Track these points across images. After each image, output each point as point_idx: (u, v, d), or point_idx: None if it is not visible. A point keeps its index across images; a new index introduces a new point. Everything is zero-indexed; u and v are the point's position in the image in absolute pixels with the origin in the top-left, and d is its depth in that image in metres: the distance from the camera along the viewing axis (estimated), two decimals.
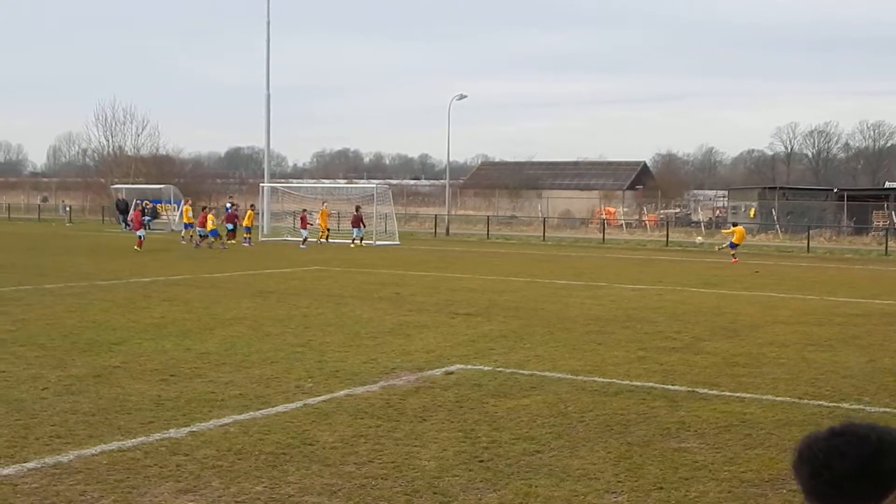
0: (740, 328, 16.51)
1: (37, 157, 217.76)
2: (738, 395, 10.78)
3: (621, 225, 66.87)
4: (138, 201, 54.17)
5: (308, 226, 43.54)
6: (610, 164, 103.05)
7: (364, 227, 44.29)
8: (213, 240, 39.13)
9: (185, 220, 43.79)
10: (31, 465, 7.52)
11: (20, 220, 71.22)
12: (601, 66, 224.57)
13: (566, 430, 8.99)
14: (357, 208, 45.06)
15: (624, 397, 10.49)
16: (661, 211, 72.75)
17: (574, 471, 7.61)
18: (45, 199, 78.12)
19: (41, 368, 11.51)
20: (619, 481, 7.37)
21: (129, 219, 56.40)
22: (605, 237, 54.02)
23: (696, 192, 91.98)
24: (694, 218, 71.46)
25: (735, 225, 40.43)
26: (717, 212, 73.71)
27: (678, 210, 75.86)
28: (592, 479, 7.41)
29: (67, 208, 72.67)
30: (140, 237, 37.17)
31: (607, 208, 74.45)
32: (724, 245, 39.14)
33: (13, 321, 15.54)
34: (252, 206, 47.11)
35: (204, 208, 43.27)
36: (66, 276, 24.06)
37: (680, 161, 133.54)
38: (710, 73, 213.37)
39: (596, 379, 11.55)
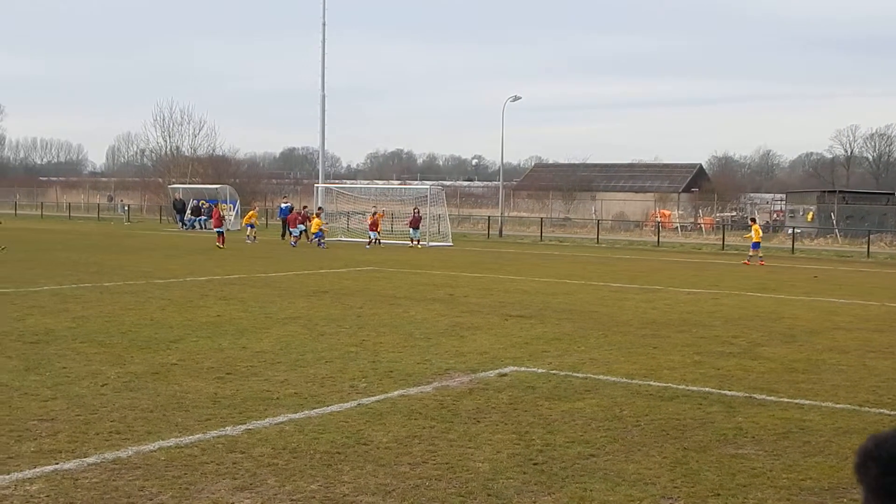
0: (799, 334, 16.29)
1: (96, 157, 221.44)
2: (796, 401, 10.63)
3: (676, 228, 66.25)
4: (212, 202, 54.88)
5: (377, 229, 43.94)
6: (665, 166, 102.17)
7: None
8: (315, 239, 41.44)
9: (246, 221, 45.11)
10: (91, 460, 7.64)
11: (80, 219, 72.36)
12: (658, 68, 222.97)
13: (621, 434, 8.93)
14: (416, 210, 45.46)
15: (680, 402, 10.40)
16: (717, 214, 71.98)
17: (629, 475, 7.56)
18: (110, 199, 79.21)
19: (101, 365, 11.69)
20: (674, 487, 7.30)
21: (185, 218, 57.16)
22: (660, 240, 53.59)
23: (752, 195, 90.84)
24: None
25: (754, 222, 39.66)
26: (775, 215, 72.75)
27: (734, 213, 74.97)
28: (648, 483, 7.36)
29: (126, 207, 73.67)
30: (220, 233, 38.63)
31: (662, 211, 73.80)
32: (752, 254, 36.93)
33: (73, 318, 15.80)
34: (304, 206, 47.61)
35: (304, 208, 46.11)
36: (124, 275, 24.41)
37: (736, 164, 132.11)
38: (769, 75, 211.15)
39: (651, 383, 11.46)
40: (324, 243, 40.87)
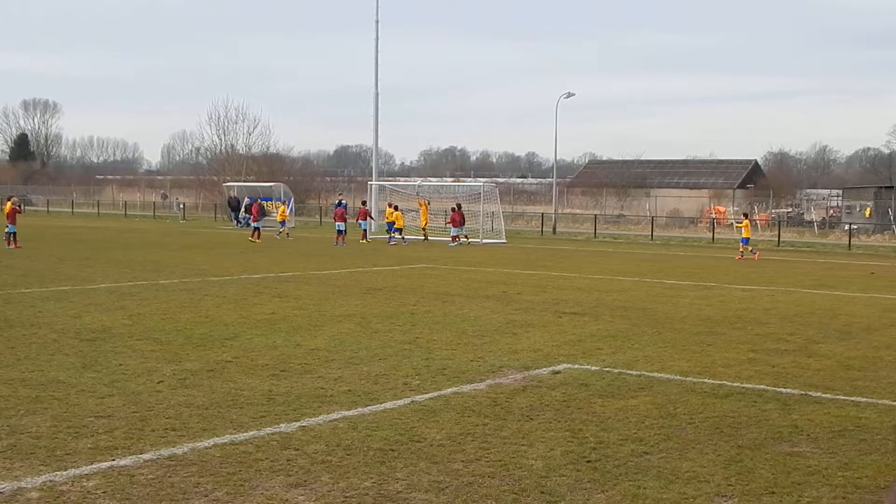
0: (855, 331, 16.03)
1: (152, 156, 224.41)
2: (853, 399, 10.47)
3: (731, 224, 65.50)
4: (265, 199, 55.53)
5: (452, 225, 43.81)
6: (720, 162, 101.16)
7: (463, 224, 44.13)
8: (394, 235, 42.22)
9: (280, 218, 46.20)
10: (146, 456, 7.73)
11: (136, 217, 73.35)
12: (713, 64, 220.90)
13: (675, 431, 8.85)
14: (457, 207, 44.71)
15: (734, 399, 10.28)
16: (773, 210, 71.10)
17: (683, 473, 7.49)
18: (164, 197, 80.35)
19: (157, 362, 11.83)
20: (729, 485, 7.22)
21: (241, 216, 57.64)
22: (715, 237, 53.05)
23: (808, 191, 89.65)
24: (807, 218, 69.59)
25: (746, 217, 39.35)
26: (831, 211, 71.67)
27: (790, 209, 73.98)
28: (702, 481, 7.28)
29: (181, 205, 74.53)
30: (257, 229, 39.74)
31: (717, 207, 73.01)
32: (744, 247, 37.08)
33: (130, 316, 16.02)
34: (364, 202, 47.85)
35: (364, 203, 46.76)
36: (179, 272, 24.70)
37: (792, 160, 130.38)
38: (826, 71, 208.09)
39: (706, 380, 11.35)
40: (399, 239, 41.57)
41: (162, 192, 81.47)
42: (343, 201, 48.35)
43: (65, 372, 11.11)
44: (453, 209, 44.10)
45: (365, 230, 43.72)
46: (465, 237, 43.51)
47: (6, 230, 33.44)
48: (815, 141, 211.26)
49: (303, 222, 63.06)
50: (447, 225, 44.82)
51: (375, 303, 18.81)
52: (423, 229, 45.33)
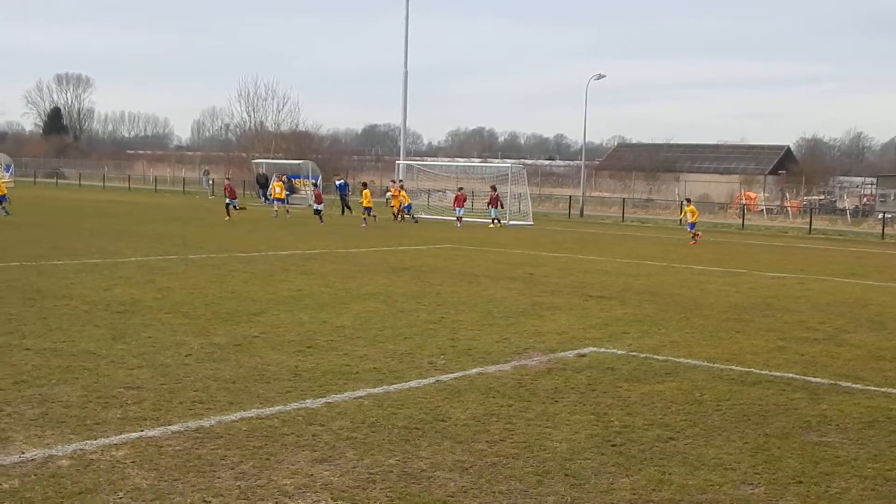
0: (887, 320, 15.89)
1: (182, 132, 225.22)
2: (883, 389, 10.38)
3: (762, 211, 65.13)
4: (314, 179, 55.53)
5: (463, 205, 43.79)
6: (752, 147, 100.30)
7: (502, 207, 44.41)
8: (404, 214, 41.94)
9: (275, 196, 45.57)
10: (174, 428, 7.79)
11: (166, 192, 73.72)
12: (746, 49, 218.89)
13: (701, 418, 8.81)
14: (493, 188, 44.96)
15: (762, 387, 10.22)
16: (805, 197, 70.55)
17: (709, 460, 7.46)
18: (206, 172, 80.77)
19: (185, 336, 11.91)
20: (755, 473, 7.19)
21: (268, 192, 57.80)
22: (745, 223, 52.72)
23: (841, 178, 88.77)
24: (839, 205, 69.00)
25: (689, 202, 38.89)
26: (864, 199, 70.99)
27: (822, 197, 73.35)
28: (728, 469, 7.25)
29: (210, 181, 74.81)
30: (318, 211, 39.25)
31: (748, 193, 72.57)
32: (692, 232, 36.81)
33: (159, 289, 16.12)
34: (364, 183, 46.34)
35: (392, 186, 46.45)
36: (208, 248, 24.83)
37: (826, 146, 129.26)
38: (860, 56, 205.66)
39: (733, 367, 11.29)
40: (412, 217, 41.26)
41: (205, 168, 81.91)
42: (342, 181, 48.77)
43: (95, 343, 11.21)
44: (493, 187, 44.47)
45: (494, 217, 43.91)
46: (497, 221, 43.43)
47: None
48: (849, 128, 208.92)
49: (330, 200, 63.16)
50: (489, 208, 44.71)
51: (401, 282, 18.84)
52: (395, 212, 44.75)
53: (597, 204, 67.71)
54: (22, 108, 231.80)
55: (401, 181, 47.85)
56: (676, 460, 7.40)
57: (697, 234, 36.34)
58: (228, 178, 46.55)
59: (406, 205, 43.06)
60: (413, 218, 42.81)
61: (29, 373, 9.57)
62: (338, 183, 50.41)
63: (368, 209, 39.48)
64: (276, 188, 45.79)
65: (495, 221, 43.23)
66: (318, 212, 39.49)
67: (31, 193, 61.92)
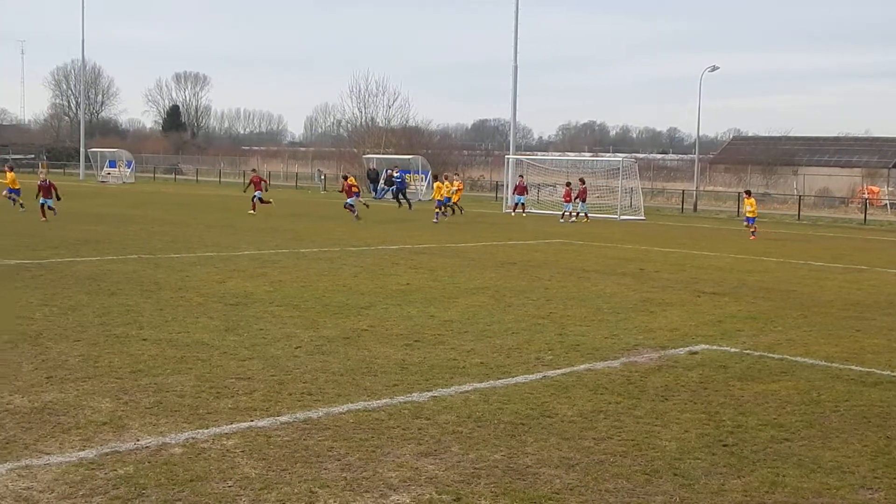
0: None
1: (295, 128, 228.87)
2: None
3: (885, 205, 62.97)
4: (415, 172, 55.62)
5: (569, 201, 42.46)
6: (875, 139, 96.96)
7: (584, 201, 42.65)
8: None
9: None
10: (283, 418, 7.89)
11: (278, 188, 75.05)
12: (867, 37, 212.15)
13: (818, 419, 8.53)
14: (582, 181, 43.28)
15: (884, 388, 9.85)
16: None
17: (826, 462, 7.21)
18: (320, 171, 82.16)
19: (295, 328, 12.08)
20: (875, 477, 6.91)
21: (378, 187, 58.31)
22: (867, 218, 51.09)
23: None
24: None
25: (748, 195, 35.94)
26: None
27: None
28: (846, 472, 6.99)
29: (322, 177, 75.81)
30: (439, 209, 37.14)
31: (870, 187, 70.15)
32: (752, 227, 34.25)
33: (271, 283, 16.40)
34: (435, 176, 44.27)
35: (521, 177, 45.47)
36: (319, 242, 25.18)
37: None
38: None
39: (853, 367, 10.91)
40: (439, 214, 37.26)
41: (319, 169, 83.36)
42: (394, 175, 48.02)
43: (209, 334, 11.45)
44: (581, 181, 43.06)
45: (519, 203, 43.54)
46: (579, 214, 42.03)
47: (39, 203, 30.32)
48: None
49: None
50: (574, 201, 43.25)
51: (510, 276, 18.77)
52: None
53: (711, 198, 66.46)
54: (142, 106, 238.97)
55: (448, 175, 46.56)
56: (791, 462, 7.18)
57: (754, 230, 34.09)
58: (254, 171, 44.58)
59: (445, 198, 40.15)
60: (457, 209, 40.35)
61: (145, 362, 9.83)
62: (394, 176, 50.00)
63: (440, 203, 37.72)
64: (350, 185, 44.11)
65: (577, 215, 41.63)
66: (349, 205, 36.32)
67: (149, 189, 63.81)
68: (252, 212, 37.56)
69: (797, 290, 18.10)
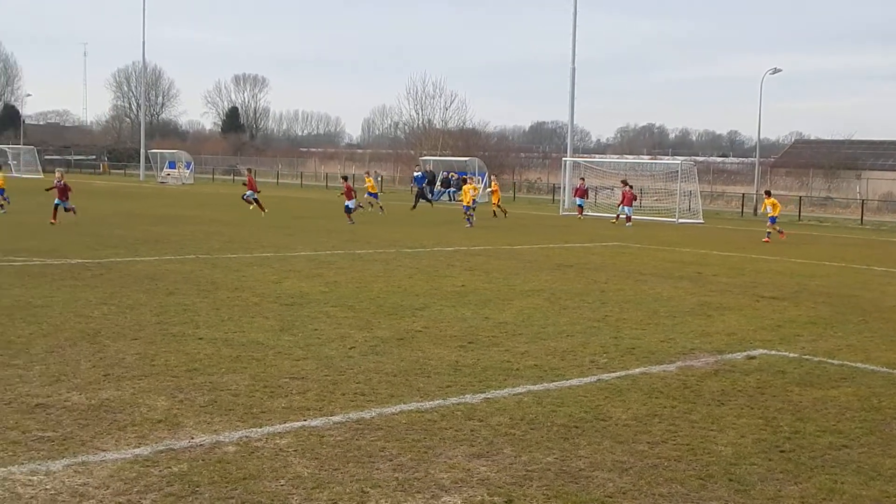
0: None
1: (353, 130, 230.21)
2: None
3: None
4: (463, 174, 55.58)
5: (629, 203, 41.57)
6: None
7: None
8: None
9: (371, 190, 43.02)
10: (336, 418, 7.92)
11: (336, 189, 75.50)
12: None
13: (878, 426, 8.36)
14: (624, 183, 41.89)
15: None
16: None
17: (886, 470, 7.06)
18: (377, 174, 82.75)
19: (349, 329, 12.13)
20: None
21: (435, 189, 58.42)
22: None
23: None
24: None
25: (768, 195, 34.89)
26: None
27: None
28: None
29: (379, 178, 76.16)
30: (348, 209, 34.82)
31: None
32: (775, 227, 33.68)
33: (326, 283, 16.49)
34: (464, 179, 41.20)
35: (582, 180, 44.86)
36: (374, 243, 25.27)
37: None
38: None
39: None
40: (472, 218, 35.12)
41: (375, 171, 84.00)
42: (419, 174, 47.42)
43: (264, 334, 11.54)
44: (629, 186, 42.05)
45: (581, 206, 43.16)
46: (619, 217, 41.23)
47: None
48: None
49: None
50: (620, 205, 42.30)
51: (565, 279, 18.68)
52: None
53: None
54: (202, 107, 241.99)
55: (469, 175, 45.82)
56: (850, 469, 7.04)
57: (781, 232, 33.55)
58: (249, 170, 43.57)
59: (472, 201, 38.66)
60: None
61: (201, 361, 9.93)
62: (416, 175, 49.56)
63: (467, 207, 35.27)
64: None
65: (618, 218, 40.78)
66: (348, 209, 34.48)
67: (208, 190, 64.54)
68: (265, 213, 36.55)
69: (858, 296, 17.78)
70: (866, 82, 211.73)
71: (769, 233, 33.50)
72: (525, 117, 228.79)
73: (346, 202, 34.92)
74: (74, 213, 29.75)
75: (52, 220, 28.23)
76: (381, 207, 41.07)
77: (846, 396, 9.44)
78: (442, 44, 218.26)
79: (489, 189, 43.66)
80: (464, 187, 36.51)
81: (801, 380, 10.16)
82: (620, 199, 40.95)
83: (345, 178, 37.71)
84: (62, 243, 21.95)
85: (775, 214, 33.88)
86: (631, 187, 41.58)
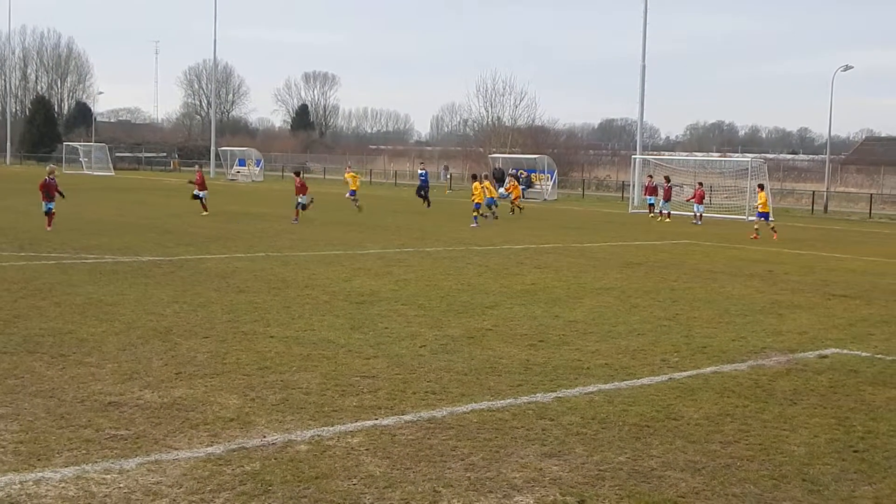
0: None
1: (422, 127, 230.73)
2: None
3: None
4: (540, 172, 55.29)
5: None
6: None
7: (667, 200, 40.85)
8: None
9: (352, 187, 41.37)
10: (407, 417, 8.01)
11: (405, 186, 75.77)
12: None
13: None
14: (666, 179, 41.21)
15: None
16: None
17: None
18: (446, 168, 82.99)
19: (419, 327, 12.22)
20: None
21: (506, 187, 58.29)
22: None
23: None
24: None
25: (761, 188, 33.13)
26: None
27: None
28: None
29: (448, 175, 76.26)
30: (300, 204, 31.84)
31: None
32: (758, 223, 32.29)
33: (396, 281, 16.61)
34: (474, 175, 38.99)
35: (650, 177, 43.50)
36: (444, 241, 25.35)
37: None
38: None
39: None
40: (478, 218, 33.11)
41: (445, 166, 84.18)
42: (424, 171, 46.88)
43: (334, 332, 11.68)
44: (667, 179, 41.54)
45: (652, 204, 42.68)
46: (662, 213, 40.61)
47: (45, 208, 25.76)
48: None
49: (565, 195, 63.13)
50: (689, 200, 41.72)
51: (635, 277, 18.59)
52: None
53: (842, 200, 64.34)
54: (272, 105, 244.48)
55: (485, 175, 44.48)
56: None
57: (774, 231, 31.61)
58: (199, 168, 38.46)
59: (488, 198, 34.96)
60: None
61: (272, 359, 10.09)
62: (420, 173, 49.03)
63: (478, 206, 33.32)
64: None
65: (662, 213, 40.14)
66: (300, 205, 31.76)
67: (278, 187, 65.15)
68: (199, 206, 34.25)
69: None
70: None
71: (757, 229, 32.25)
72: (595, 114, 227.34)
73: (298, 198, 31.89)
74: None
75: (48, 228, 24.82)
76: (358, 204, 39.01)
77: None
78: (512, 41, 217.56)
79: (504, 190, 43.33)
80: (474, 184, 34.86)
81: (873, 379, 10.02)
82: (691, 195, 40.43)
83: (297, 174, 34.84)
84: (133, 241, 22.35)
85: (766, 211, 32.42)
86: (700, 185, 41.13)
